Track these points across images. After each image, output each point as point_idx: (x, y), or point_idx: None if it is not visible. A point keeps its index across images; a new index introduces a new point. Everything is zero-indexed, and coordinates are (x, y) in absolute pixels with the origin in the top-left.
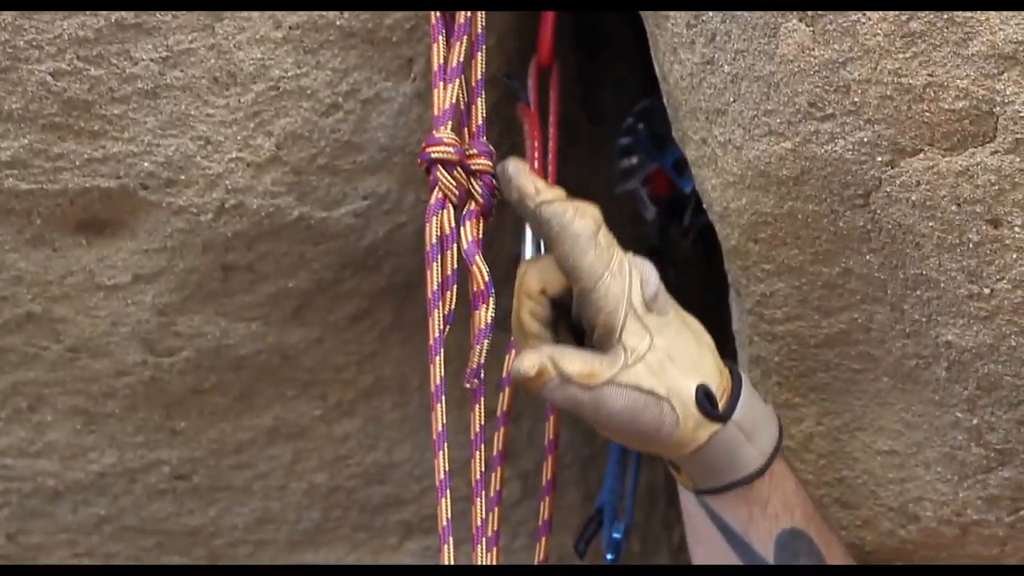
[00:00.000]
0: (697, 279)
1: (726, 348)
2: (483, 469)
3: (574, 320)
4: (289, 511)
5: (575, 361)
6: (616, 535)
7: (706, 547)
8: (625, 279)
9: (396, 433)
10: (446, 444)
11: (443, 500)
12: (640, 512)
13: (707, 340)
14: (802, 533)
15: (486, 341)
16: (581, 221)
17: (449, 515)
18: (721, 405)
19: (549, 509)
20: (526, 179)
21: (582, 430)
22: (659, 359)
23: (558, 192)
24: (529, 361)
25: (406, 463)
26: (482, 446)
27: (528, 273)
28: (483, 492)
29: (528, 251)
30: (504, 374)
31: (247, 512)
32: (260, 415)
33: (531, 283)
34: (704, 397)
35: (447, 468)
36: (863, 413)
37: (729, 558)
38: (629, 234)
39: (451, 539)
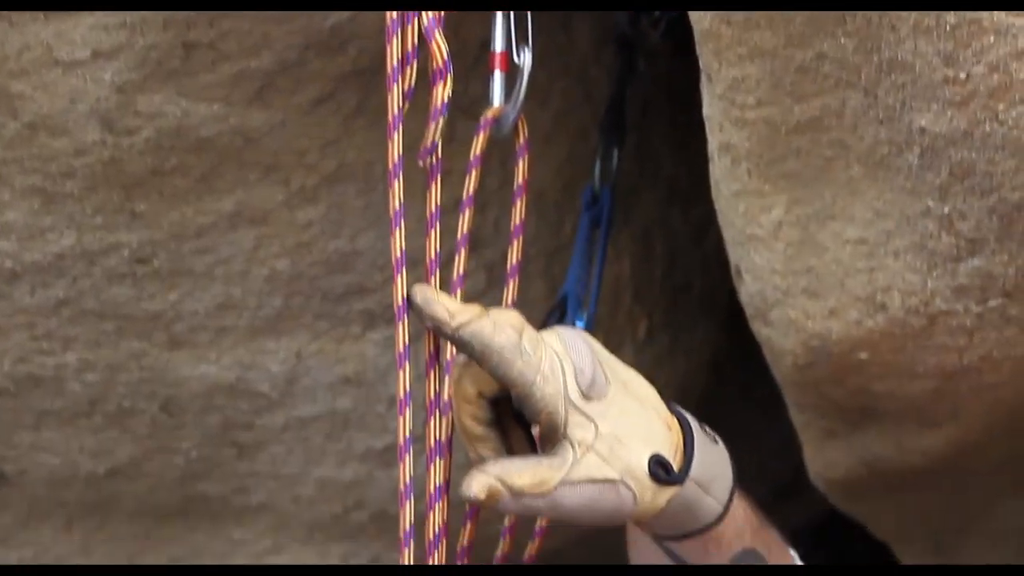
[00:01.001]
0: (667, 69)
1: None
2: (438, 249)
3: (516, 408)
4: (250, 297)
5: (523, 474)
6: (579, 324)
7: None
8: (558, 378)
9: (360, 221)
10: (403, 222)
11: (399, 278)
12: (604, 306)
13: (652, 399)
14: (751, 551)
15: (442, 119)
16: (501, 335)
17: (404, 294)
18: (676, 464)
19: (513, 295)
20: (437, 307)
21: (549, 221)
22: (607, 444)
23: (472, 310)
24: (478, 485)
25: (369, 251)
26: (437, 224)
27: (462, 379)
28: (437, 271)
29: (498, 37)
30: (471, 158)
31: (208, 298)
32: (221, 199)
33: (467, 389)
34: (658, 467)
35: (403, 248)
36: (833, 201)
37: None
38: (600, 22)
39: (406, 318)
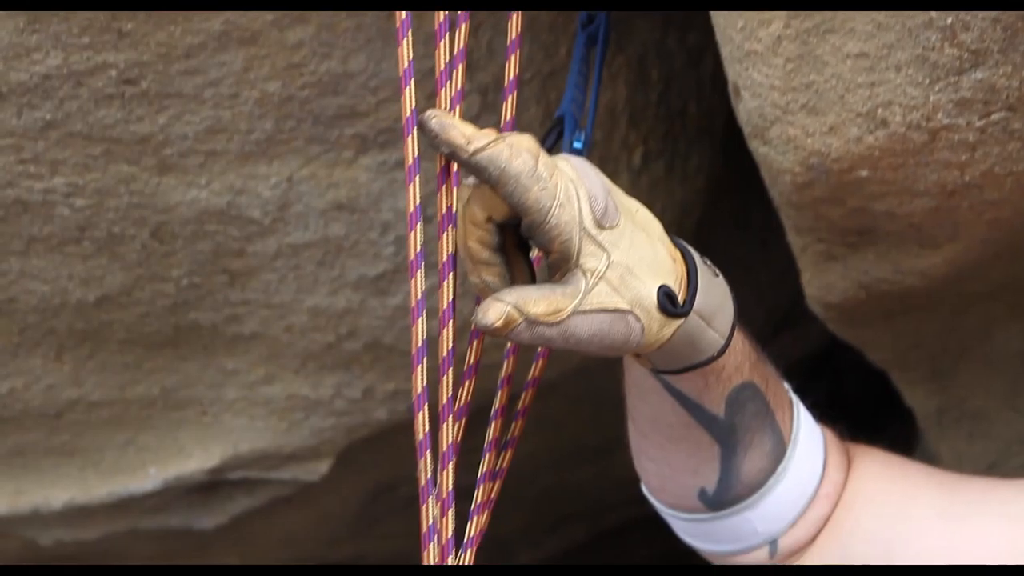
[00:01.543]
0: None
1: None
2: (448, 60)
3: (523, 234)
4: (241, 121)
5: (539, 303)
6: (577, 144)
7: (653, 406)
8: (574, 205)
9: (351, 42)
10: (410, 32)
11: (407, 91)
12: (600, 132)
13: (657, 230)
14: (748, 384)
15: None
16: (518, 160)
17: (413, 105)
18: (680, 296)
19: (512, 111)
20: (453, 132)
21: (543, 44)
22: (618, 274)
23: (488, 133)
24: (495, 313)
25: (361, 74)
26: (447, 35)
27: (472, 201)
28: (447, 84)
29: None
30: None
31: (197, 121)
32: (210, 18)
33: (476, 212)
34: (665, 298)
35: (411, 58)
36: (833, 14)
37: (678, 414)
38: None
39: (415, 131)
